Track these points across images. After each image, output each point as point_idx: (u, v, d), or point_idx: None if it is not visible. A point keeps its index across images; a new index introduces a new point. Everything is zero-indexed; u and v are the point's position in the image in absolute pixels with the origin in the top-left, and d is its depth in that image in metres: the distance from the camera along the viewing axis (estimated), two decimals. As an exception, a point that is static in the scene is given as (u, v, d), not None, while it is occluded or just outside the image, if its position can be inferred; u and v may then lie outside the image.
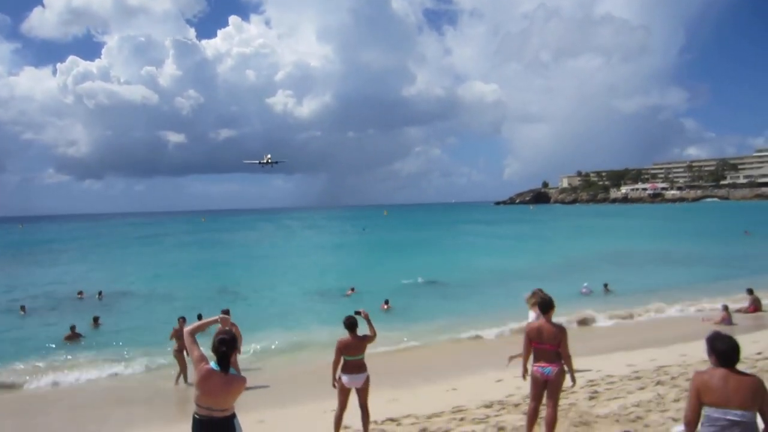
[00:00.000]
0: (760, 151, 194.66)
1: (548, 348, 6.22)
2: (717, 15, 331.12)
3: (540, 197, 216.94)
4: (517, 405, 8.54)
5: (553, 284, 24.93)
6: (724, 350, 4.04)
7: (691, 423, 4.07)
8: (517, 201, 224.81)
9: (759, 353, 10.66)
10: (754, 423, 3.94)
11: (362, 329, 7.17)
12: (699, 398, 4.03)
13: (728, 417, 3.91)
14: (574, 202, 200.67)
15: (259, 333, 16.49)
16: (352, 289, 24.58)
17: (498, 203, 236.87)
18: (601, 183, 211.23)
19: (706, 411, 4.02)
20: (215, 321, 5.04)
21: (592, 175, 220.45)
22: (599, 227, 70.72)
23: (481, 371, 11.67)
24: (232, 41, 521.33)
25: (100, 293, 25.23)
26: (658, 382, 9.16)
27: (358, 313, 7.23)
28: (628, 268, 30.62)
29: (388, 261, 38.44)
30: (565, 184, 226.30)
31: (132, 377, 13.17)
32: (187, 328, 4.68)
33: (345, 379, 7.13)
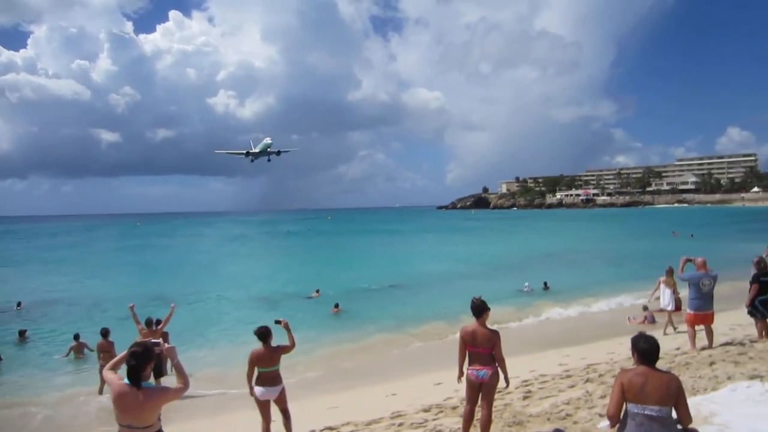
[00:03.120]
0: (681, 160, 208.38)
1: (482, 351, 6.35)
2: (644, 33, 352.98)
3: (480, 202, 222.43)
4: (454, 408, 8.67)
5: (495, 283, 26.05)
6: (645, 349, 4.30)
7: (613, 417, 4.32)
8: (459, 206, 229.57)
9: (677, 348, 11.29)
10: (670, 418, 4.20)
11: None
12: (622, 394, 4.27)
13: (646, 412, 4.16)
14: (512, 207, 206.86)
15: (202, 339, 16.08)
16: (317, 291, 24.37)
17: (441, 208, 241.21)
18: (538, 189, 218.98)
19: (627, 406, 4.26)
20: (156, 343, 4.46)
21: (529, 181, 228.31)
22: (537, 230, 73.37)
23: (421, 374, 11.82)
24: (173, 37, 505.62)
25: (19, 304, 23.47)
26: (587, 380, 9.53)
27: (278, 322, 7.07)
28: (566, 268, 32.29)
29: (337, 264, 38.40)
30: (504, 189, 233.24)
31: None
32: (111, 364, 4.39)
33: (259, 391, 7.02)
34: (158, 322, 11.41)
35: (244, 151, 76.60)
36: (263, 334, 6.99)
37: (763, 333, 10.85)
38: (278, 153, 76.51)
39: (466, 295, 6.87)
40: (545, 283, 23.94)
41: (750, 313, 10.89)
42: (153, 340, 4.39)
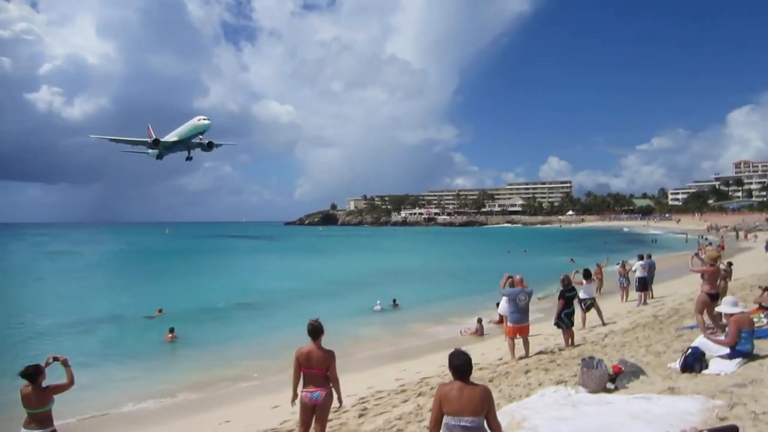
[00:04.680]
0: (511, 184, 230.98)
1: (317, 372, 6.32)
2: (484, 66, 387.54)
3: (328, 219, 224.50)
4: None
5: (345, 302, 26.33)
6: (458, 365, 4.57)
7: (432, 430, 4.53)
8: (307, 222, 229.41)
9: (500, 359, 12.30)
10: (483, 427, 4.51)
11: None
12: (440, 408, 4.50)
13: (461, 424, 4.43)
14: (360, 224, 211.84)
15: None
16: (160, 311, 22.55)
17: (288, 223, 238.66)
18: (384, 207, 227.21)
19: (445, 419, 4.50)
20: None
21: (376, 199, 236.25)
22: (385, 247, 75.78)
23: (257, 398, 11.44)
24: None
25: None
26: (420, 394, 9.96)
27: (56, 359, 6.27)
28: (414, 284, 33.74)
29: (169, 283, 35.68)
30: (352, 206, 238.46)
31: None
32: None
33: None
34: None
35: (148, 139, 51.51)
36: (30, 374, 6.06)
37: (569, 341, 12.28)
38: (210, 146, 51.62)
39: (314, 315, 6.77)
40: (394, 300, 24.61)
41: (557, 324, 12.30)
42: None
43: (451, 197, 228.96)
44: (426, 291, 30.28)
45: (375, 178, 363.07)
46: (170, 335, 18.44)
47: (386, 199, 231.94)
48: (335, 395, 6.44)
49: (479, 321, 18.40)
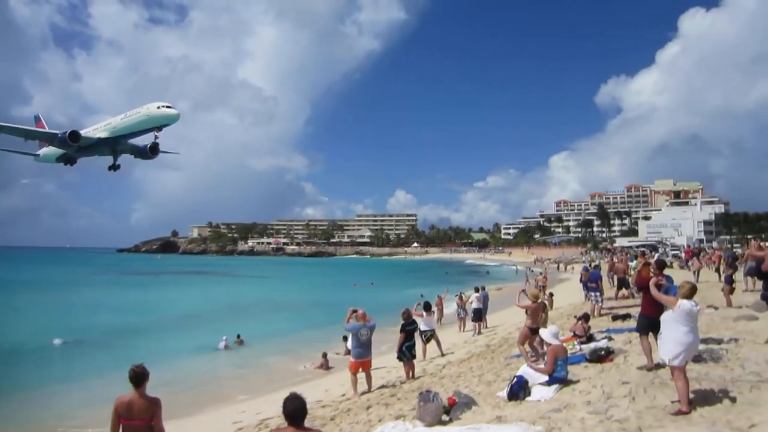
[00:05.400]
0: (360, 216, 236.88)
1: (139, 423, 5.69)
2: (334, 99, 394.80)
3: (168, 246, 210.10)
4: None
5: (185, 338, 24.48)
6: (291, 411, 4.45)
7: None
8: (144, 249, 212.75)
9: (343, 395, 12.18)
10: None
11: None
12: None
13: None
14: (203, 252, 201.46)
15: None
16: None
17: (122, 251, 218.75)
18: (230, 235, 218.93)
19: None
20: None
21: (222, 226, 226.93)
22: (230, 278, 72.60)
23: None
24: None
25: None
26: (259, 437, 9.48)
27: None
28: (259, 318, 32.26)
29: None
30: (195, 234, 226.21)
31: None
32: None
33: None
34: None
35: (56, 132, 33.51)
36: None
37: (411, 374, 12.62)
38: (155, 150, 35.34)
39: (146, 358, 6.08)
40: (238, 336, 23.29)
41: (398, 357, 12.60)
42: None
43: (300, 227, 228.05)
44: (272, 325, 29.27)
45: (222, 205, 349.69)
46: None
47: (233, 227, 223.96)
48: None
49: (324, 355, 18.23)
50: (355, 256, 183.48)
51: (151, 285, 60.27)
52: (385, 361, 15.22)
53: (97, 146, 34.48)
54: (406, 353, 12.37)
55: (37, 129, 34.82)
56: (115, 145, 34.56)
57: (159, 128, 31.89)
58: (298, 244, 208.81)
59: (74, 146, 33.13)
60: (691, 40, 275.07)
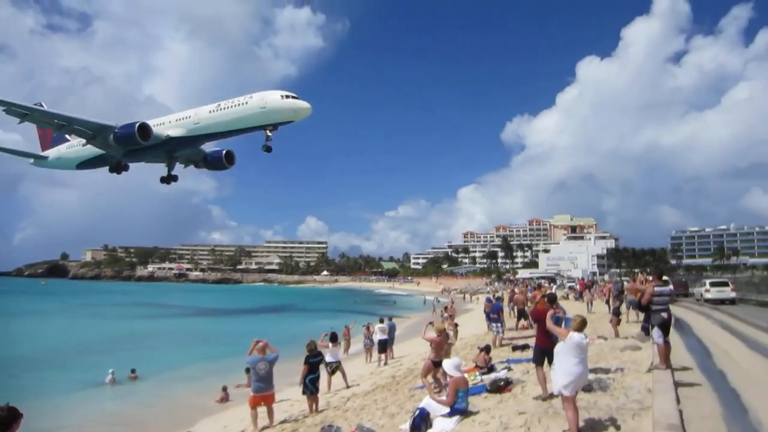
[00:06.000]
0: (269, 242, 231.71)
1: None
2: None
3: (56, 270, 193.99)
4: None
5: (65, 373, 22.45)
6: None
7: None
8: (27, 273, 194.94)
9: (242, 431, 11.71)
10: None
11: None
12: None
13: None
14: (97, 277, 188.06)
15: None
16: None
17: (1, 275, 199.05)
18: (128, 259, 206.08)
19: None
20: None
21: (119, 250, 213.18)
22: (121, 306, 67.84)
23: None
24: None
25: None
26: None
27: None
28: (155, 350, 30.13)
29: None
30: (89, 257, 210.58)
31: None
32: None
33: None
34: None
35: (113, 124, 24.81)
36: None
37: (314, 407, 12.34)
38: (230, 158, 29.16)
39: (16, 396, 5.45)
40: (133, 371, 21.47)
41: (303, 391, 12.30)
42: None
43: (206, 252, 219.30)
44: (169, 357, 27.42)
45: (120, 228, 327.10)
46: None
47: (132, 250, 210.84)
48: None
49: (224, 389, 17.46)
50: (262, 283, 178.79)
51: (30, 313, 55.06)
52: (290, 394, 14.80)
53: (154, 149, 25.61)
54: (309, 386, 12.09)
55: (86, 118, 25.19)
56: (182, 147, 26.09)
57: (275, 126, 23.45)
58: (202, 270, 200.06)
59: (140, 145, 24.26)
60: (587, 86, 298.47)
